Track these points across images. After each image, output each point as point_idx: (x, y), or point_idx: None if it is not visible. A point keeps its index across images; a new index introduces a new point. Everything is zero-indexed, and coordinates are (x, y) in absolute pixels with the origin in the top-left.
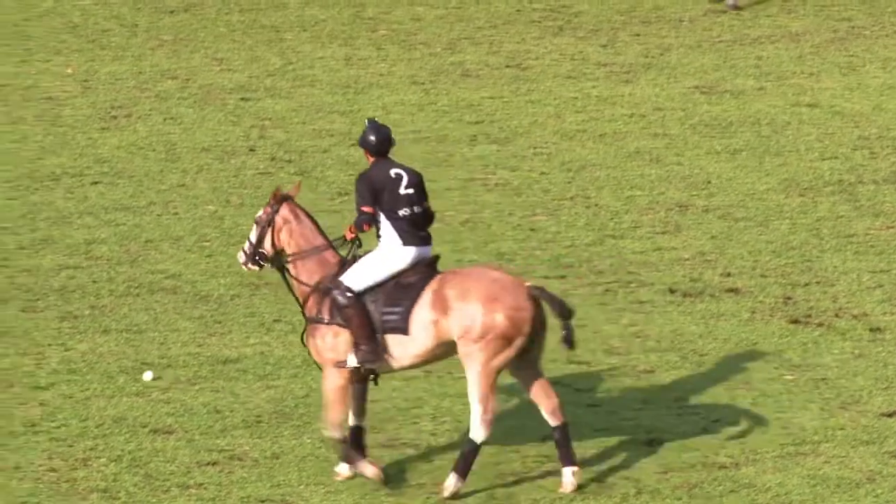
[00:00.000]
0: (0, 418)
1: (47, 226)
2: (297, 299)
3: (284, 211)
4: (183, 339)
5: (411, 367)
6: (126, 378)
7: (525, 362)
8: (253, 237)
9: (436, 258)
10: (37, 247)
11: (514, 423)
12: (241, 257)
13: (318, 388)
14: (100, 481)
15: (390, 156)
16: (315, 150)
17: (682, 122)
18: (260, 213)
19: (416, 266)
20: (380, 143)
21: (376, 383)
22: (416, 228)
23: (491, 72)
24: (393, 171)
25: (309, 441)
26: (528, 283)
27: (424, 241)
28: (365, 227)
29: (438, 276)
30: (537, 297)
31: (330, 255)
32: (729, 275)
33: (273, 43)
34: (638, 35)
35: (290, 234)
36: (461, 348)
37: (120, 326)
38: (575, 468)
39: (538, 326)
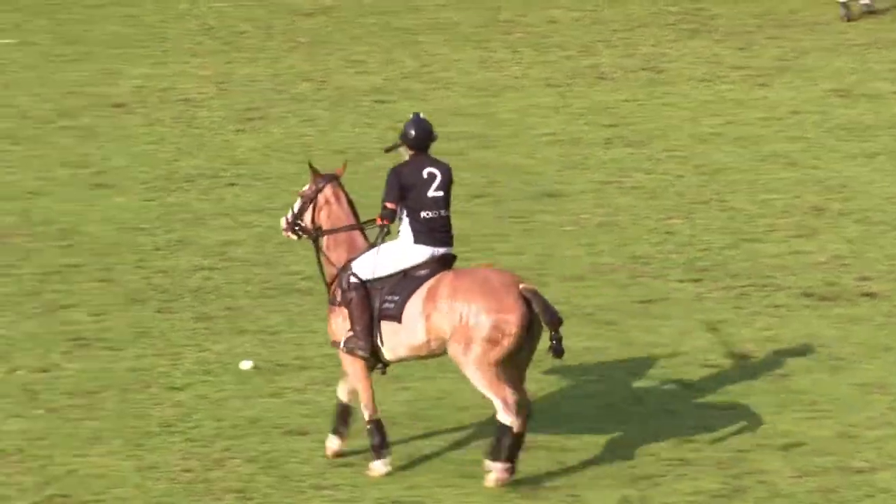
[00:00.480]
0: (136, 418)
1: (183, 227)
2: (323, 279)
3: (328, 191)
4: (318, 340)
5: (407, 358)
6: (261, 379)
7: (514, 362)
8: (296, 208)
9: (453, 257)
10: (173, 248)
11: (648, 426)
12: (283, 223)
13: (451, 390)
14: (235, 482)
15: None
16: (449, 153)
17: (818, 125)
18: (305, 188)
19: (429, 262)
20: (419, 138)
21: (384, 372)
22: (435, 230)
23: (626, 75)
24: (426, 171)
25: (441, 442)
26: (522, 285)
27: (441, 242)
28: (385, 222)
29: (442, 273)
30: (529, 300)
31: (360, 239)
32: (865, 279)
33: (408, 45)
34: (774, 38)
35: (328, 215)
36: (449, 347)
37: (255, 328)
38: (506, 465)
39: (528, 329)
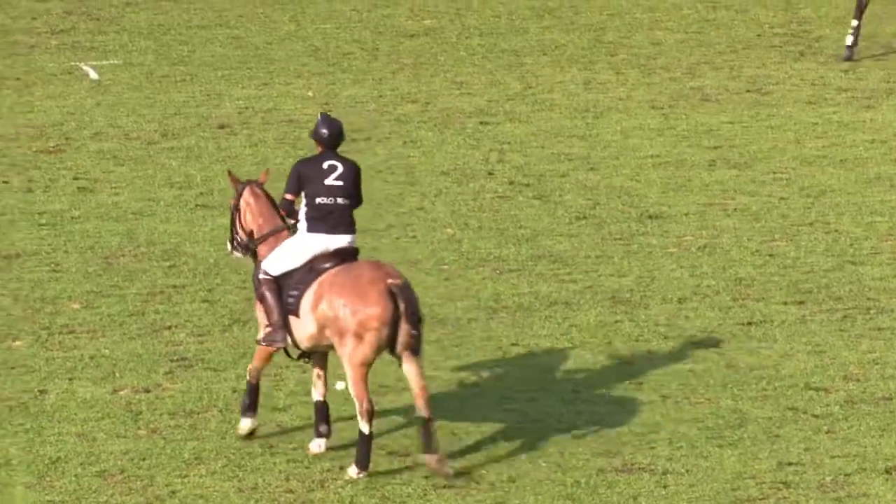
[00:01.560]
0: (238, 439)
1: None
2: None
3: (246, 193)
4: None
5: (315, 349)
6: None
7: (397, 354)
8: (229, 225)
9: (355, 250)
10: None
11: (751, 449)
12: (227, 247)
13: (553, 412)
14: (336, 503)
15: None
16: (553, 174)
17: None
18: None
19: (334, 254)
20: (329, 136)
21: (307, 361)
22: (329, 218)
23: (731, 96)
24: (327, 163)
25: (545, 465)
26: (389, 280)
27: (335, 229)
28: (283, 212)
29: (337, 267)
30: (395, 294)
31: (286, 237)
32: None
33: (513, 67)
34: (880, 60)
35: (252, 215)
36: (333, 341)
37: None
38: (435, 456)
39: (396, 322)
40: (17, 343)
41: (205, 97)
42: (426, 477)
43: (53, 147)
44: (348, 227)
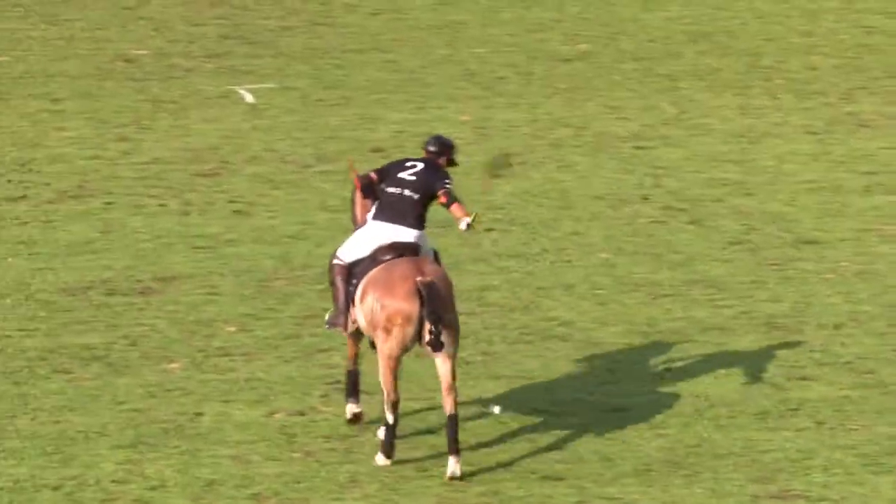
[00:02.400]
0: (394, 462)
1: None
2: None
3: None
4: (574, 385)
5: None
6: (517, 424)
7: (427, 350)
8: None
9: (416, 246)
10: None
11: None
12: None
13: (707, 438)
14: None
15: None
16: (708, 199)
17: None
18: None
19: (393, 247)
20: (428, 147)
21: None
22: (396, 208)
23: (887, 122)
24: (410, 161)
25: (700, 491)
26: (419, 278)
27: (397, 220)
28: (355, 179)
29: (387, 262)
30: (421, 292)
31: None
32: None
33: (668, 91)
34: None
35: (361, 208)
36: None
37: (511, 373)
38: (454, 457)
39: (423, 319)
40: (174, 365)
41: (360, 121)
42: (579, 502)
43: (209, 170)
44: (413, 221)
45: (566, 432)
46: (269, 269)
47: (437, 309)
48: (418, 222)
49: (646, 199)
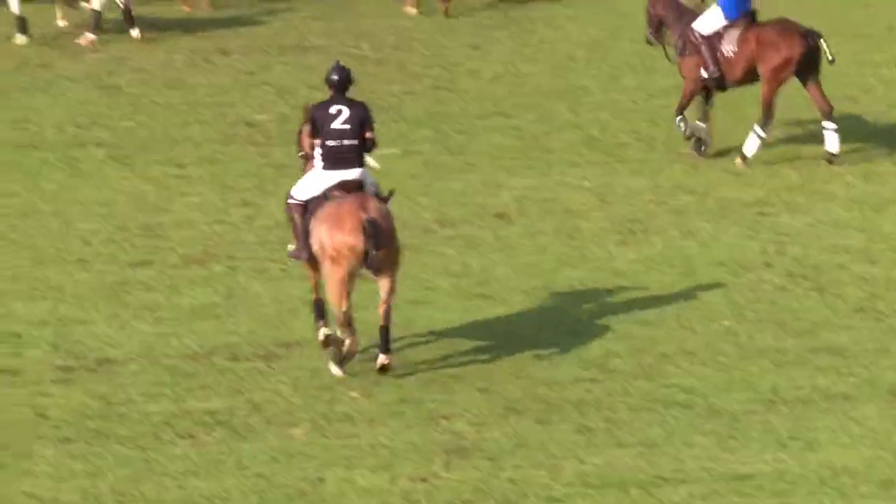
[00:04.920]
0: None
1: (564, 338)
2: None
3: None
4: (697, 453)
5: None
6: (640, 492)
7: (375, 274)
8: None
9: (359, 184)
10: (554, 359)
11: None
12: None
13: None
14: None
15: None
16: (831, 266)
17: None
18: None
19: (342, 185)
20: (339, 81)
21: None
22: (340, 156)
23: None
24: (335, 107)
25: None
26: (363, 215)
27: (346, 165)
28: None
29: (336, 199)
30: (365, 227)
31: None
32: None
33: (791, 158)
34: None
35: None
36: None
37: (634, 440)
38: (384, 356)
39: (375, 249)
40: (297, 430)
41: (482, 186)
42: None
43: None
44: (356, 162)
45: (691, 500)
46: (391, 334)
47: (379, 241)
48: (360, 160)
49: (769, 265)
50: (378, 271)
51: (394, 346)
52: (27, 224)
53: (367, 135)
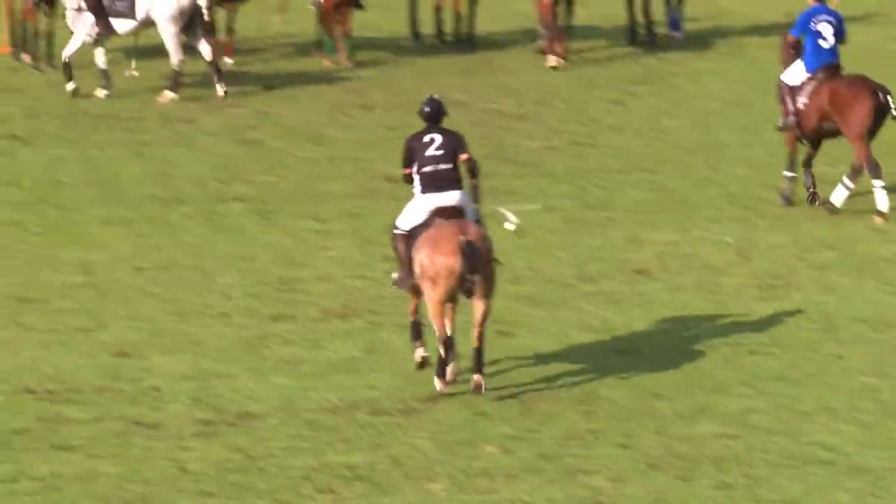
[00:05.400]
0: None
1: (704, 394)
2: None
3: None
4: None
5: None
6: None
7: (469, 297)
8: None
9: (458, 210)
10: (694, 415)
11: None
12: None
13: None
14: None
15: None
16: None
17: None
18: None
19: (441, 211)
20: (429, 112)
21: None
22: (437, 180)
23: None
24: (428, 136)
25: None
26: (461, 237)
27: (444, 188)
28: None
29: (437, 223)
30: (463, 249)
31: None
32: None
33: None
34: None
35: None
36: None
37: (774, 497)
38: (478, 376)
39: (466, 271)
40: (436, 486)
41: (623, 241)
42: None
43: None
44: (454, 185)
45: None
46: (530, 389)
47: (475, 264)
48: (459, 182)
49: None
50: (473, 294)
51: (530, 398)
52: (169, 278)
53: (463, 157)
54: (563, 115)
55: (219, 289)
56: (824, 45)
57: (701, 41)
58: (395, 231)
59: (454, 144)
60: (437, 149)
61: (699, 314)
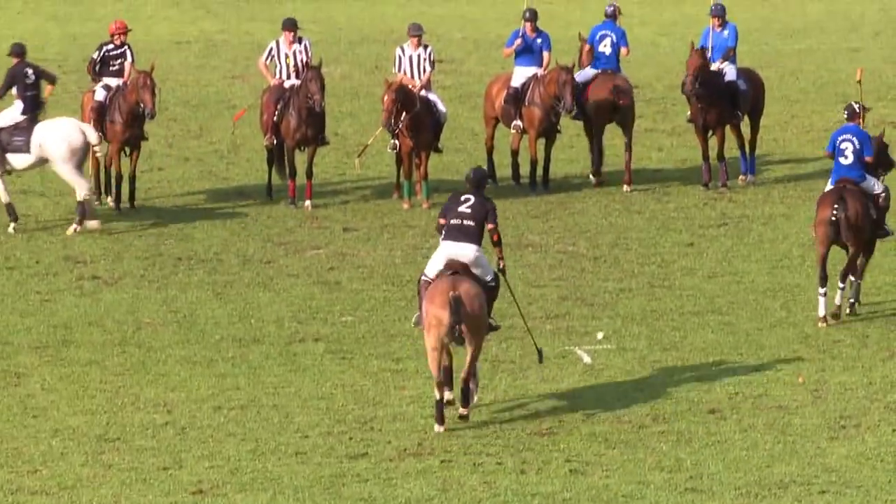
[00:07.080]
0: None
1: None
2: None
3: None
4: None
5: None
6: None
7: (459, 344)
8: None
9: (467, 266)
10: None
11: None
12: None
13: None
14: None
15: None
16: None
17: None
18: None
19: (451, 265)
20: (472, 180)
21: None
22: (459, 232)
23: None
24: (463, 197)
25: None
26: (451, 293)
27: (462, 239)
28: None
29: (442, 276)
30: (451, 304)
31: None
32: None
33: None
34: None
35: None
36: None
37: None
38: (464, 409)
39: (456, 323)
40: None
41: (696, 382)
42: None
43: (546, 429)
44: (472, 239)
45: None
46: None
47: (460, 317)
48: (477, 240)
49: None
50: (459, 342)
51: None
52: (248, 416)
53: (489, 226)
54: (637, 257)
55: (296, 428)
56: (843, 161)
57: (773, 185)
58: (423, 278)
59: (484, 210)
60: (468, 207)
61: (770, 454)
